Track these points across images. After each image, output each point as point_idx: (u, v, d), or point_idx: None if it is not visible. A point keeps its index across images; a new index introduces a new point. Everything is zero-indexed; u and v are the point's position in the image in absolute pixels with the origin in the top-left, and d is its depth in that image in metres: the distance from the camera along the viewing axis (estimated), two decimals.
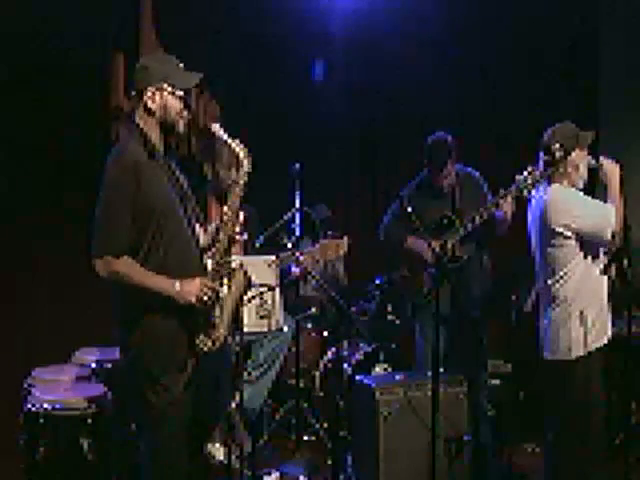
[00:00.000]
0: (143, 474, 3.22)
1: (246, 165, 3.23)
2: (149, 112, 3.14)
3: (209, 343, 3.15)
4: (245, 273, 3.24)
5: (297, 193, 4.86)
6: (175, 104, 3.17)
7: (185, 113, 3.20)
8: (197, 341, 3.13)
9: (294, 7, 5.85)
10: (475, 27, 6.20)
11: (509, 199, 4.34)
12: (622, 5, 6.39)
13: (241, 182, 3.25)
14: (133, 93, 3.19)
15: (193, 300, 3.08)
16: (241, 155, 3.22)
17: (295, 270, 4.83)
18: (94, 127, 5.16)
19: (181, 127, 3.21)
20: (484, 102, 6.32)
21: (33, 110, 5.02)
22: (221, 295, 3.17)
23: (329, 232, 5.19)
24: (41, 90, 5.04)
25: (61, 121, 5.09)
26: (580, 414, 3.69)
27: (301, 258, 4.38)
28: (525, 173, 4.06)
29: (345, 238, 4.64)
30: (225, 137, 3.22)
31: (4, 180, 4.97)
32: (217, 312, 3.17)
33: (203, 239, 3.30)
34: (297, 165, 4.88)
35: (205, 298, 3.09)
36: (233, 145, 3.22)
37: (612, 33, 6.46)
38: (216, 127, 3.23)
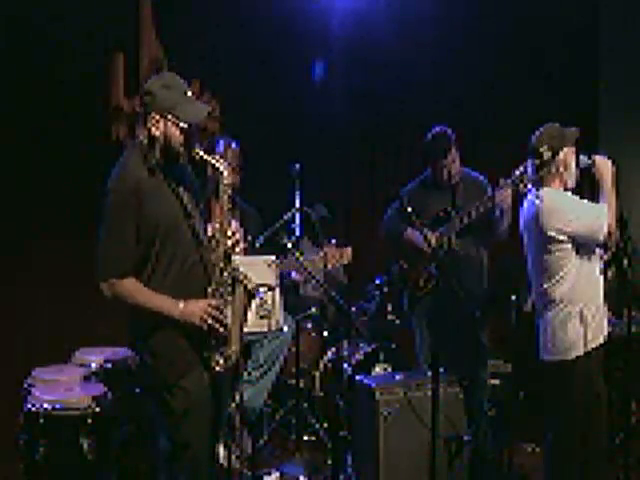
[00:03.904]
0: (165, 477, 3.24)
1: (226, 178, 3.21)
2: (152, 137, 3.11)
3: (222, 362, 3.15)
4: (245, 287, 3.23)
5: (297, 193, 4.86)
6: (177, 135, 3.12)
7: (187, 144, 3.17)
8: (212, 362, 3.13)
9: (294, 7, 5.85)
10: (475, 27, 6.21)
11: (507, 192, 4.34)
12: (622, 5, 6.40)
13: (225, 196, 3.22)
14: (140, 110, 3.16)
15: (197, 321, 3.08)
16: (221, 168, 3.21)
17: (295, 276, 4.84)
18: (94, 127, 5.16)
19: (182, 159, 3.18)
20: (484, 102, 6.32)
21: (33, 110, 5.02)
22: (225, 314, 3.16)
23: (333, 240, 5.18)
24: (41, 90, 5.04)
25: (61, 121, 5.09)
26: (580, 414, 3.69)
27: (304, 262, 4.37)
28: (522, 168, 4.07)
29: (349, 248, 4.64)
30: (205, 156, 3.20)
31: (4, 180, 4.98)
32: (226, 329, 3.15)
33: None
34: (297, 165, 4.88)
35: (210, 320, 3.09)
36: (212, 162, 3.20)
37: (612, 33, 6.47)
38: (195, 150, 3.20)
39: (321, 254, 4.55)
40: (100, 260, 3.07)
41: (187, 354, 3.13)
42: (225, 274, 3.17)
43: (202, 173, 4.32)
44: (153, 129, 3.11)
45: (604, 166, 3.76)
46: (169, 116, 3.09)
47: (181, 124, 3.10)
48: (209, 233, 3.24)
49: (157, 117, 3.10)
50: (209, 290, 3.15)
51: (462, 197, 4.65)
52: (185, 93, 3.14)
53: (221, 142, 4.58)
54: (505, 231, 4.57)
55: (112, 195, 3.05)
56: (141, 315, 3.12)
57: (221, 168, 3.20)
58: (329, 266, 4.58)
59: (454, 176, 4.66)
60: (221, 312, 3.12)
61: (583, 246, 3.70)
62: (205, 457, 3.22)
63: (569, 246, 3.68)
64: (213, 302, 3.11)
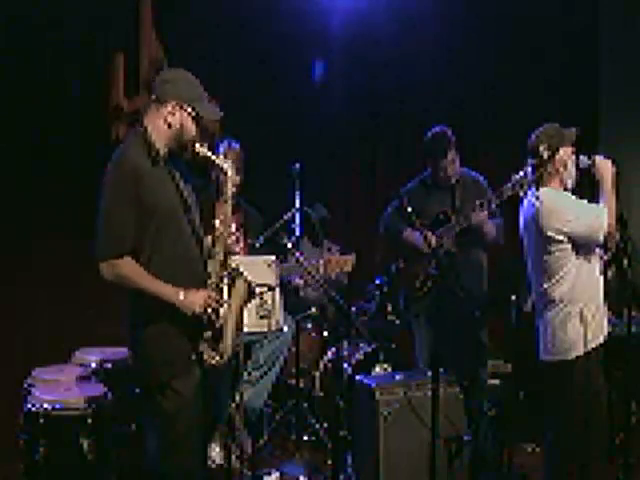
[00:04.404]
0: (153, 477, 3.23)
1: (230, 177, 3.23)
2: (166, 123, 3.13)
3: (217, 357, 3.15)
4: (247, 283, 3.23)
5: (297, 193, 4.86)
6: (192, 128, 3.17)
7: (197, 139, 3.20)
8: (205, 356, 3.13)
9: (294, 7, 5.85)
10: (475, 27, 6.20)
11: (482, 214, 4.41)
12: (622, 5, 6.40)
13: (229, 194, 3.25)
14: (153, 97, 3.16)
15: (197, 310, 3.08)
16: (225, 167, 3.22)
17: (296, 280, 4.83)
18: (94, 127, 5.16)
19: (189, 153, 3.20)
20: (484, 102, 6.32)
21: (33, 110, 5.02)
22: (223, 309, 3.17)
23: (336, 247, 5.17)
24: (41, 90, 5.04)
25: (61, 121, 5.09)
26: (580, 414, 3.69)
27: (306, 264, 4.37)
28: (522, 173, 4.08)
29: (351, 256, 4.62)
30: (209, 154, 3.22)
31: (4, 180, 4.98)
32: (222, 324, 3.16)
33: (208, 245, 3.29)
34: (297, 165, 4.88)
35: (209, 310, 3.10)
36: (217, 161, 3.23)
37: (612, 33, 6.47)
38: (197, 147, 3.22)
39: (321, 262, 4.53)
40: (99, 240, 3.06)
41: (182, 353, 3.12)
42: (225, 269, 3.18)
43: (204, 174, 4.33)
44: (169, 116, 3.12)
45: (604, 167, 3.76)
46: (188, 107, 3.13)
47: (197, 118, 3.15)
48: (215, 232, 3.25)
49: (175, 105, 3.13)
50: (209, 282, 3.15)
51: (461, 197, 4.66)
52: (203, 93, 3.21)
53: (223, 143, 4.58)
54: (495, 239, 4.63)
55: (111, 178, 3.06)
56: (138, 310, 3.11)
57: (224, 167, 3.21)
58: (331, 274, 4.57)
59: (453, 176, 4.66)
60: (220, 305, 3.13)
61: (583, 246, 3.70)
62: (195, 458, 3.21)
63: (568, 246, 3.67)
64: (212, 294, 3.12)
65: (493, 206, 4.52)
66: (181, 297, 3.07)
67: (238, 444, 4.27)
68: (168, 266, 3.09)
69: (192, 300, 3.08)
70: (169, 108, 3.12)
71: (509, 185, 4.22)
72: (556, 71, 6.34)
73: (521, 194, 4.09)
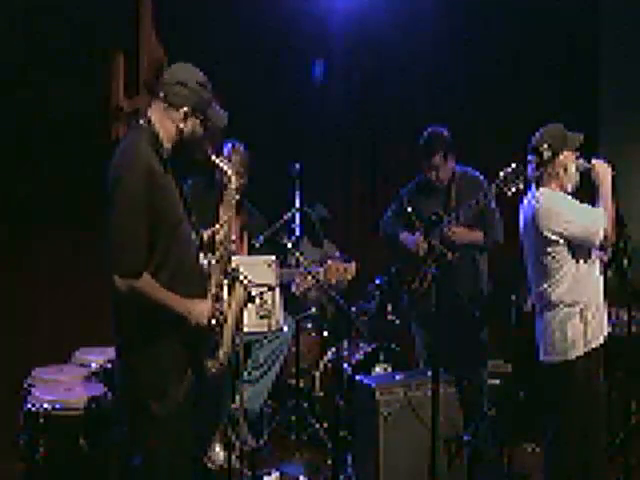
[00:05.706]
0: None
1: (233, 183, 3.22)
2: (178, 129, 3.05)
3: (217, 365, 3.14)
4: (244, 287, 3.23)
5: (297, 193, 4.86)
6: (201, 132, 3.09)
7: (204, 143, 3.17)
8: (206, 365, 3.12)
9: (294, 7, 5.85)
10: (475, 27, 6.21)
11: (454, 229, 4.44)
12: (622, 5, 6.40)
13: (232, 202, 3.23)
14: (162, 96, 3.03)
15: (205, 321, 3.05)
16: (229, 173, 3.21)
17: (295, 289, 4.82)
18: (94, 127, 5.16)
19: (197, 154, 3.17)
20: (484, 102, 6.32)
21: (33, 110, 5.02)
22: (222, 317, 3.17)
23: (338, 254, 5.17)
24: (41, 90, 5.04)
25: (61, 121, 5.09)
26: (580, 414, 3.69)
27: (305, 266, 4.36)
28: (509, 169, 4.07)
29: (353, 264, 4.61)
30: (216, 160, 3.19)
31: (4, 180, 4.98)
32: (220, 332, 3.16)
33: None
34: (297, 165, 4.88)
35: (214, 321, 3.08)
36: (221, 165, 3.21)
37: (612, 33, 6.47)
38: (209, 152, 3.20)
39: (321, 269, 4.52)
40: (117, 256, 2.90)
41: (181, 362, 3.07)
42: (225, 276, 3.16)
43: (206, 172, 4.32)
44: (181, 123, 3.05)
45: (603, 170, 3.75)
46: (201, 115, 3.07)
47: (207, 122, 3.09)
48: (215, 235, 3.23)
49: (188, 111, 3.04)
50: (210, 292, 3.13)
51: (457, 197, 4.65)
52: (212, 97, 3.13)
53: (228, 144, 4.57)
54: (491, 242, 4.63)
55: (125, 181, 2.90)
56: (138, 319, 3.01)
57: (229, 172, 3.20)
58: (332, 280, 4.55)
59: (443, 177, 4.65)
60: (221, 315, 3.12)
61: (579, 247, 3.69)
62: (184, 463, 3.14)
63: (565, 248, 3.67)
64: (215, 304, 3.11)
65: (493, 204, 4.53)
66: (190, 307, 3.02)
67: (240, 441, 4.27)
68: (175, 276, 3.02)
69: (201, 310, 3.04)
70: (181, 115, 3.03)
71: (492, 185, 4.24)
72: (556, 71, 6.34)
73: (508, 193, 4.10)
